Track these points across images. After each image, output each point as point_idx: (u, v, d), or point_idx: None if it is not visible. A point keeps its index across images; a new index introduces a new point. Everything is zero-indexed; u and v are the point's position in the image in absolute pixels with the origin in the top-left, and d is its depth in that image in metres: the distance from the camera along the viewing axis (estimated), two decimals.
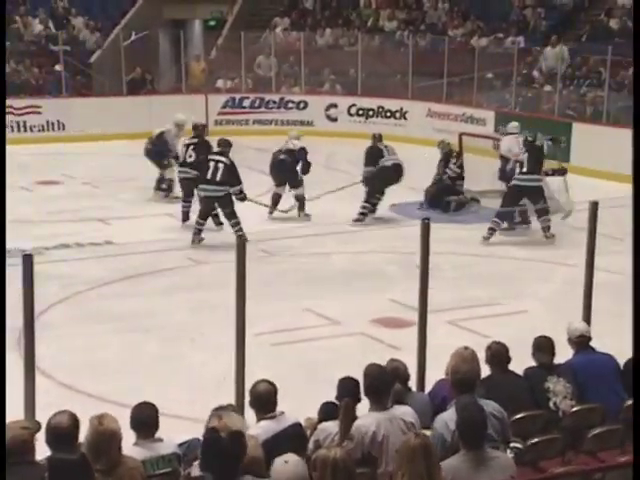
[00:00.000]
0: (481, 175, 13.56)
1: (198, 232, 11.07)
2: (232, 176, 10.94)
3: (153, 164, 13.56)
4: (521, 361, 5.28)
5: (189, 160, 12.00)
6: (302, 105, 19.38)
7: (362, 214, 12.27)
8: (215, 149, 11.39)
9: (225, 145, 11.21)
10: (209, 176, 10.88)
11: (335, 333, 8.28)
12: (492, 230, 11.43)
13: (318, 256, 10.74)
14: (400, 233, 11.35)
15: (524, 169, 11.49)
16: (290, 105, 19.46)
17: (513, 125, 13.38)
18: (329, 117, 18.04)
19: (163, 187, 13.53)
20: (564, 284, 9.30)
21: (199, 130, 12.46)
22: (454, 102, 18.25)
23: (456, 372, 4.42)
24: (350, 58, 19.66)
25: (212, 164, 10.91)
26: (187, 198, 12.09)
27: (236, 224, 10.96)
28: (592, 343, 5.51)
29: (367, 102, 18.97)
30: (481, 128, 16.84)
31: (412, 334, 5.64)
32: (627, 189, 12.92)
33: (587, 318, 5.93)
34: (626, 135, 15.00)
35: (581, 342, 5.40)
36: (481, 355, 4.90)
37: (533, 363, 5.28)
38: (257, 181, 14.69)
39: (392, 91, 19.11)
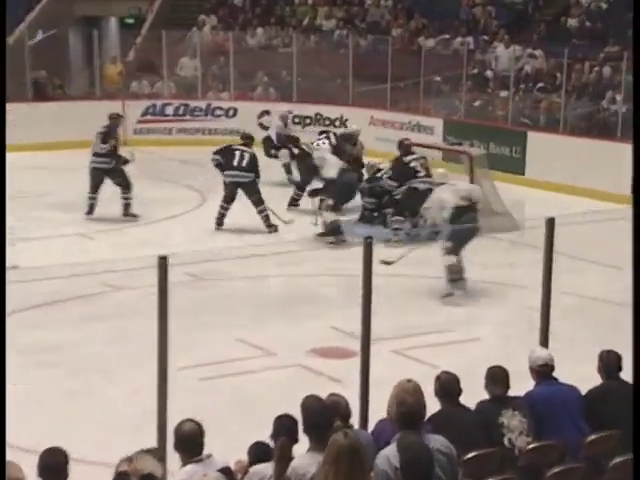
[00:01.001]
0: None
1: (222, 216, 12.68)
2: (256, 167, 12.60)
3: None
4: (473, 394, 5.34)
5: (101, 152, 13.00)
6: (231, 112, 19.39)
7: (295, 200, 13.93)
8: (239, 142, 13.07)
9: (247, 138, 13.01)
10: (235, 163, 12.54)
11: (270, 365, 8.28)
12: (397, 229, 12.20)
13: (251, 280, 10.74)
14: (340, 253, 11.40)
15: (422, 173, 12.34)
16: (218, 112, 19.45)
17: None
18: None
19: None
20: (519, 308, 9.44)
21: (113, 120, 13.49)
22: (399, 109, 18.43)
23: (401, 403, 4.43)
24: (284, 60, 19.74)
25: (238, 153, 12.62)
26: (95, 189, 13.06)
27: (263, 210, 12.57)
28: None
29: (303, 109, 19.04)
30: (429, 137, 17.02)
31: (354, 365, 5.67)
32: (586, 203, 13.31)
33: (544, 344, 6.01)
34: (585, 145, 15.40)
35: (544, 371, 5.46)
36: (429, 388, 4.95)
37: (486, 396, 5.34)
38: (184, 197, 14.73)
39: (331, 97, 19.23)
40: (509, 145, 16.43)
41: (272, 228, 12.70)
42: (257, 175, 12.65)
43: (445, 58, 18.79)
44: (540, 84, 17.25)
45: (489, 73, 18.23)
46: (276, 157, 15.26)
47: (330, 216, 12.23)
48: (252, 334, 8.87)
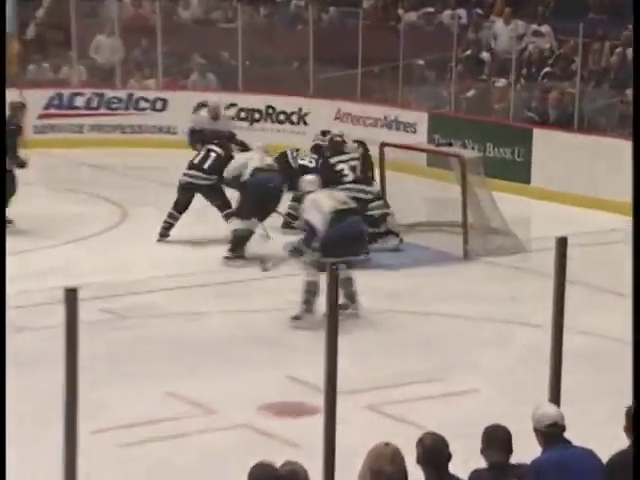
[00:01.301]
0: (410, 200, 13.79)
1: (168, 226, 13.12)
2: (224, 169, 13.02)
3: None
4: (466, 460, 5.37)
5: None
6: (159, 105, 19.39)
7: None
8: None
9: (222, 137, 13.87)
10: (196, 161, 13.30)
11: (210, 426, 8.27)
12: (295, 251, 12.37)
13: (186, 318, 10.73)
14: (298, 284, 11.41)
15: (349, 177, 12.66)
16: (142, 104, 19.44)
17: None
18: None
19: None
20: (524, 352, 9.51)
21: (15, 109, 13.89)
22: (372, 100, 18.52)
23: (377, 473, 4.44)
24: (226, 38, 19.79)
25: (204, 151, 13.44)
26: None
27: (230, 215, 12.89)
28: (566, 433, 5.63)
29: (252, 100, 19.10)
30: (410, 136, 17.11)
31: (316, 425, 5.68)
32: (607, 219, 13.38)
33: (556, 398, 6.06)
34: (605, 146, 15.53)
35: (553, 433, 5.49)
36: (410, 452, 4.97)
37: (482, 463, 5.38)
38: (99, 212, 14.68)
39: (286, 85, 19.29)
40: (511, 146, 16.56)
41: None
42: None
43: (430, 36, 18.93)
44: (548, 69, 17.41)
45: (485, 56, 18.38)
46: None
47: (235, 226, 12.48)
48: (187, 386, 8.85)
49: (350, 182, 12.60)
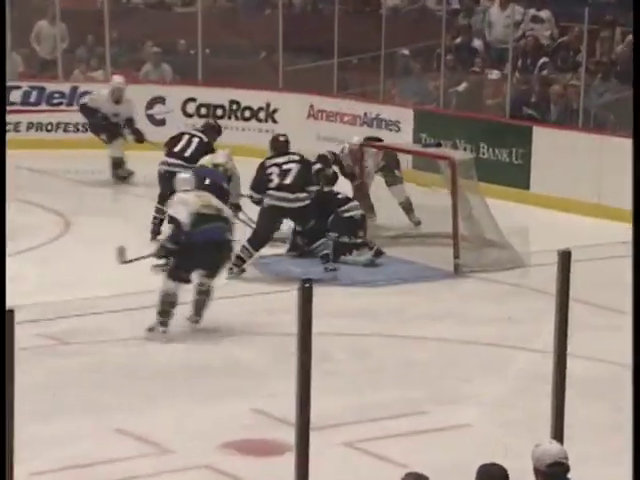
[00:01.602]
0: (393, 208, 13.82)
1: (158, 222, 13.38)
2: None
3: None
4: None
5: None
6: None
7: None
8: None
9: (210, 129, 14.29)
10: (176, 149, 13.82)
11: (165, 467, 8.22)
12: (240, 261, 12.54)
13: (137, 343, 10.71)
14: (266, 303, 11.42)
15: (274, 183, 12.57)
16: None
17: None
18: (152, 118, 18.07)
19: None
20: (523, 380, 9.53)
21: None
22: (350, 95, 18.54)
23: None
24: (184, 24, 19.78)
25: (186, 137, 14.05)
26: None
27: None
28: (570, 473, 5.65)
29: (213, 94, 19.09)
30: (394, 135, 17.13)
31: (287, 465, 5.67)
32: (616, 229, 13.41)
33: (558, 433, 6.07)
34: (614, 147, 15.54)
35: (554, 473, 5.50)
36: None
37: None
38: (39, 222, 14.63)
39: (252, 77, 19.29)
40: (507, 146, 16.60)
41: None
42: None
43: (415, 23, 18.96)
44: (548, 60, 17.43)
45: (478, 44, 18.42)
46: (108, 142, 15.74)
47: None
48: (139, 422, 8.82)
49: (272, 188, 12.50)
